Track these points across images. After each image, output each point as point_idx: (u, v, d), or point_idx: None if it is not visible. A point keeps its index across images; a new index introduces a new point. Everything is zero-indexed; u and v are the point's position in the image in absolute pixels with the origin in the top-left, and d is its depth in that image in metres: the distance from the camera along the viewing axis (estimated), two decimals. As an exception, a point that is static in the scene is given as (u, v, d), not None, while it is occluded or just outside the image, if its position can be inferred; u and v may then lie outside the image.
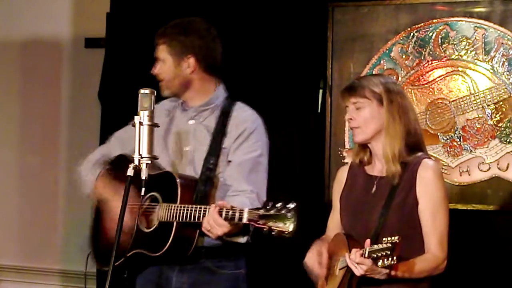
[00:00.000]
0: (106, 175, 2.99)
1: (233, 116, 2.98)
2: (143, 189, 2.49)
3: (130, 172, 2.47)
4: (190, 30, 2.99)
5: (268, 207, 2.50)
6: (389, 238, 2.46)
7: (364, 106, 2.77)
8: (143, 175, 2.47)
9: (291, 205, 2.48)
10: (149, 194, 2.83)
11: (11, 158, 5.00)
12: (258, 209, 2.52)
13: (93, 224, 3.08)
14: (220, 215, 2.60)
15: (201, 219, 2.69)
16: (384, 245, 2.46)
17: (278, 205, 2.49)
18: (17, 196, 4.99)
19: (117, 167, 2.98)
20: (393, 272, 2.56)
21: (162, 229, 2.79)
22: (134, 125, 2.48)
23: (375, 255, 2.47)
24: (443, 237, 2.71)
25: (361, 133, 2.79)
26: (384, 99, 2.76)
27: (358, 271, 2.54)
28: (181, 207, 2.73)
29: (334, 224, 2.95)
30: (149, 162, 2.48)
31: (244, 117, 2.99)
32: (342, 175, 2.97)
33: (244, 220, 2.54)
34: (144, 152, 2.47)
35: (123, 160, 2.94)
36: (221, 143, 2.93)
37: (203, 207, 2.70)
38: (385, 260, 2.45)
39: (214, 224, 2.63)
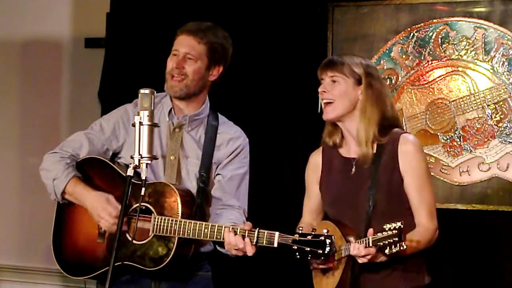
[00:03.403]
0: (78, 180, 2.87)
1: (221, 130, 2.95)
2: (143, 189, 2.46)
3: (130, 172, 2.45)
4: (229, 40, 2.95)
5: (300, 233, 2.51)
6: (392, 225, 2.47)
7: (340, 81, 2.78)
8: (143, 175, 2.46)
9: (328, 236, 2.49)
10: (137, 204, 2.73)
11: (11, 158, 4.99)
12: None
13: (55, 231, 2.96)
14: (249, 238, 2.59)
15: (214, 238, 2.66)
16: (389, 232, 2.47)
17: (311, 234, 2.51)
18: (17, 196, 4.98)
19: (87, 170, 2.91)
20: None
21: (157, 243, 2.73)
22: (134, 125, 2.48)
23: (381, 243, 2.48)
24: (431, 208, 2.74)
25: (334, 109, 2.79)
26: (363, 81, 2.77)
27: (362, 260, 2.56)
28: (185, 222, 2.69)
29: (311, 208, 2.96)
30: (149, 162, 2.46)
31: (235, 132, 2.98)
32: (316, 160, 2.94)
33: (275, 244, 2.55)
34: (144, 152, 2.45)
35: (92, 163, 2.91)
36: (212, 157, 2.90)
37: (216, 225, 2.67)
38: (393, 247, 2.46)
39: (244, 250, 2.62)
